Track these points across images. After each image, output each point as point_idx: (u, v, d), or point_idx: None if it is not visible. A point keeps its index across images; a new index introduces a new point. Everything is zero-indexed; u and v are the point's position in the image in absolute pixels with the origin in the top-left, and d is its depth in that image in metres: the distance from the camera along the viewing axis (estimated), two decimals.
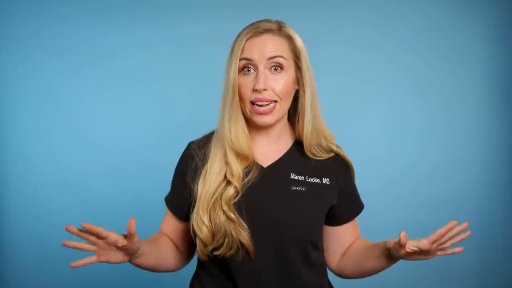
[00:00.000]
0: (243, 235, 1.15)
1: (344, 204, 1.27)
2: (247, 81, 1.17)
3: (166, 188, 1.35)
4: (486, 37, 2.24)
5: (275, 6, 2.07)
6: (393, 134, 2.22)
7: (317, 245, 1.25)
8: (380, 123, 2.22)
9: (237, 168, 1.18)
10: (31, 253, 2.16)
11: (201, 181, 1.20)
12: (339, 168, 1.26)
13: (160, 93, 2.17)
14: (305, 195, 1.20)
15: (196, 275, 1.31)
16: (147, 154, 2.13)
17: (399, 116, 2.22)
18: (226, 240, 1.15)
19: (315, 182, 1.22)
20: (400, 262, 2.21)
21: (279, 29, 1.20)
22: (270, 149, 1.25)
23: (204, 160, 1.22)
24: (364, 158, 2.12)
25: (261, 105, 1.17)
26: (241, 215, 1.16)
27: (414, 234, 2.24)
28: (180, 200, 1.25)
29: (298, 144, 1.26)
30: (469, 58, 2.24)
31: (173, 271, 1.32)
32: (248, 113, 1.19)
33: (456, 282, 2.23)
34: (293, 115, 1.27)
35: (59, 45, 2.15)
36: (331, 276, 1.35)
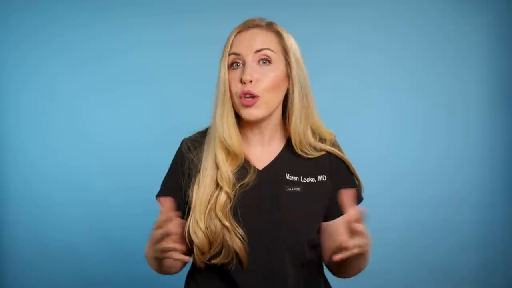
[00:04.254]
0: (237, 243, 1.14)
1: (336, 201, 1.24)
2: (235, 76, 1.18)
3: None
4: (486, 37, 2.24)
5: (275, 6, 2.07)
6: (393, 134, 2.22)
7: (314, 244, 1.25)
8: (380, 123, 2.22)
9: (227, 170, 1.18)
10: (31, 252, 2.16)
11: (195, 187, 1.19)
12: (332, 164, 1.26)
13: (160, 93, 2.17)
14: (300, 195, 1.20)
15: (192, 276, 1.30)
16: (147, 153, 2.13)
17: (399, 116, 2.22)
18: (224, 249, 1.16)
19: (310, 182, 1.22)
20: (400, 262, 2.22)
21: (268, 25, 1.22)
22: (263, 150, 1.25)
23: (197, 162, 1.22)
24: (364, 158, 2.10)
25: (246, 97, 1.16)
26: (237, 220, 1.16)
27: (414, 234, 2.26)
28: (177, 198, 1.24)
29: (290, 143, 1.25)
30: (469, 58, 2.24)
31: (171, 274, 1.31)
32: (238, 107, 1.19)
33: (456, 282, 2.22)
34: (285, 113, 1.26)
35: (59, 45, 2.15)
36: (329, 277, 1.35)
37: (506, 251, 2.24)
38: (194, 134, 1.31)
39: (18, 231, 2.17)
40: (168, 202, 1.08)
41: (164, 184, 1.31)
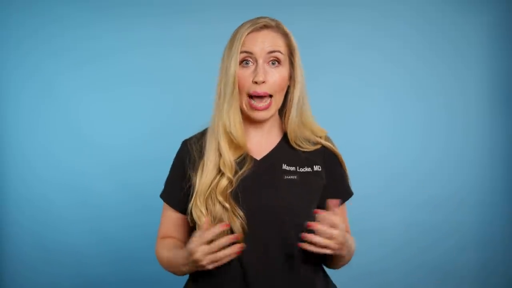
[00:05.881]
0: (236, 224, 1.19)
1: (330, 192, 1.30)
2: (246, 73, 1.24)
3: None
4: (486, 37, 2.24)
5: (275, 6, 2.07)
6: (393, 134, 2.22)
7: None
8: (380, 123, 2.22)
9: (229, 157, 1.24)
10: (30, 253, 2.16)
11: (199, 173, 1.25)
12: (327, 158, 1.32)
13: (160, 93, 2.17)
14: (297, 183, 1.26)
15: None
16: (147, 154, 2.13)
17: (399, 116, 2.22)
18: None
19: (306, 171, 1.28)
20: (400, 262, 2.22)
21: (277, 26, 1.27)
22: (261, 141, 1.31)
23: (201, 152, 1.28)
24: (364, 158, 2.13)
25: (258, 101, 1.23)
26: (237, 203, 1.21)
27: (414, 234, 2.26)
28: (181, 194, 1.29)
29: (287, 136, 1.32)
30: (469, 57, 2.24)
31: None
32: (245, 107, 1.25)
33: (456, 282, 2.22)
34: (282, 109, 1.32)
35: (59, 45, 2.15)
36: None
37: (506, 251, 2.24)
38: (194, 135, 1.36)
39: (16, 232, 2.16)
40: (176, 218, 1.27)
41: (171, 183, 1.35)
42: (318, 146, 1.32)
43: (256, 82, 1.22)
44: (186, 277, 1.35)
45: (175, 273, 1.28)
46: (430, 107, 2.22)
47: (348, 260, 1.31)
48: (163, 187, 1.37)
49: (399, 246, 2.20)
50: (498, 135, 2.24)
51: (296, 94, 1.27)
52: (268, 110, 1.25)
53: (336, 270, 1.36)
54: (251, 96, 1.24)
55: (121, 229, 2.14)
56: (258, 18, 1.26)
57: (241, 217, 1.20)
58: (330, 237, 1.12)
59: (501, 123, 2.25)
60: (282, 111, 1.32)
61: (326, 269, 1.36)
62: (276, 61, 1.24)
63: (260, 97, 1.24)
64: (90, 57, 2.16)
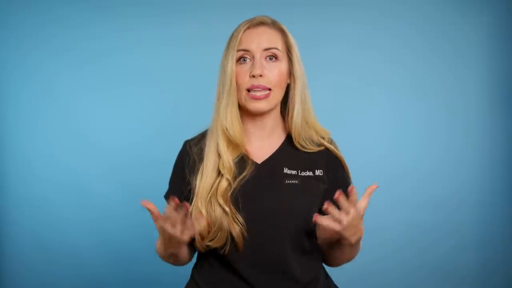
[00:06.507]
0: (236, 229, 1.19)
1: (332, 196, 1.26)
2: (243, 70, 1.24)
3: (166, 185, 1.37)
4: (486, 37, 2.24)
5: (275, 6, 2.06)
6: (393, 134, 2.22)
7: (312, 234, 1.29)
8: (380, 123, 2.22)
9: (228, 158, 1.23)
10: (29, 254, 2.16)
11: (198, 176, 1.25)
12: (330, 161, 1.30)
13: (160, 93, 2.17)
14: (298, 187, 1.25)
15: (195, 266, 1.35)
16: (147, 154, 2.13)
17: (399, 116, 2.22)
18: (220, 233, 1.20)
19: (307, 175, 1.27)
20: (400, 262, 2.22)
21: (273, 23, 1.28)
22: (263, 144, 1.30)
23: (200, 155, 1.28)
24: (364, 158, 2.12)
25: (257, 91, 1.23)
26: (237, 208, 1.20)
27: (415, 234, 2.26)
28: (181, 195, 1.28)
29: (290, 138, 1.31)
30: (469, 57, 2.24)
31: (184, 264, 1.35)
32: (244, 100, 1.24)
33: (456, 282, 2.22)
34: (284, 109, 1.32)
35: (59, 44, 2.14)
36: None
37: (506, 251, 2.24)
38: (195, 136, 1.36)
39: (16, 232, 2.16)
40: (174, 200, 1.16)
41: (172, 183, 1.36)
42: (322, 148, 1.30)
43: (253, 76, 1.21)
44: (187, 277, 1.35)
45: (171, 262, 1.29)
46: (430, 107, 2.22)
47: (353, 257, 1.30)
48: (167, 187, 1.37)
49: (399, 246, 2.20)
50: (498, 135, 2.24)
51: (298, 91, 1.26)
52: (266, 101, 1.23)
53: (336, 269, 1.36)
54: (249, 90, 1.23)
55: (121, 229, 2.14)
56: (254, 17, 1.27)
57: (240, 223, 1.19)
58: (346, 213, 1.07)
59: (501, 123, 2.25)
60: (285, 112, 1.31)
61: (327, 269, 1.36)
62: (274, 57, 1.24)
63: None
64: (90, 57, 2.16)
